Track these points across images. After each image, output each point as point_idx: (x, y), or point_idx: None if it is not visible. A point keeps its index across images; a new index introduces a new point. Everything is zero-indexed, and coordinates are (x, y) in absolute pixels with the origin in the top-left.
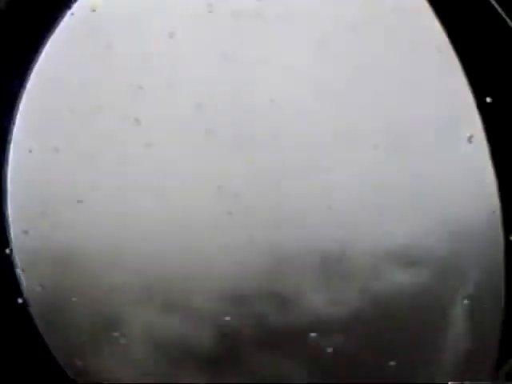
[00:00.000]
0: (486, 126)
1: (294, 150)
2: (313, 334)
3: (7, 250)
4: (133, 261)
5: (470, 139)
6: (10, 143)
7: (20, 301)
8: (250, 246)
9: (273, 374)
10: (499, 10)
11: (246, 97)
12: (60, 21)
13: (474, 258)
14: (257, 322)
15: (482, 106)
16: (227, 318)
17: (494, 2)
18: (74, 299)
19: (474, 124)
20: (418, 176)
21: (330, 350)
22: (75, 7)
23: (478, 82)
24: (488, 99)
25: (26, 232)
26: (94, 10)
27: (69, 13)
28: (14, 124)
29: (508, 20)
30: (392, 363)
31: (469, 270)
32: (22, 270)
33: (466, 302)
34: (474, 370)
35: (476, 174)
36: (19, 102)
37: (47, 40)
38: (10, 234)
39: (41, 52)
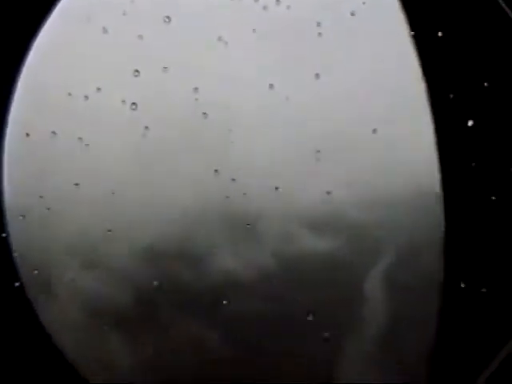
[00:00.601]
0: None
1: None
2: (224, 296)
3: (3, 234)
4: None
5: None
6: (6, 127)
7: (17, 284)
8: (166, 208)
9: (185, 333)
10: None
11: (242, 84)
12: (56, 5)
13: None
14: (169, 282)
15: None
16: (142, 277)
17: None
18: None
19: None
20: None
21: (241, 312)
22: None
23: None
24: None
25: (22, 216)
26: None
27: None
28: (10, 108)
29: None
30: (304, 322)
31: (386, 239)
32: (19, 254)
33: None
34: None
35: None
36: (16, 86)
37: (44, 24)
38: (6, 218)
39: (37, 36)
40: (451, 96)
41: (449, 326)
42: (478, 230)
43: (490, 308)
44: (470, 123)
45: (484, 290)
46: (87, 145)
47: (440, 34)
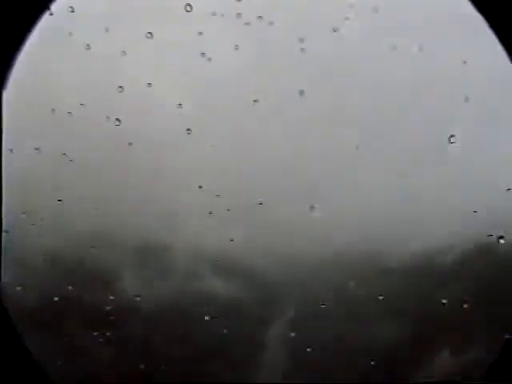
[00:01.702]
0: None
1: None
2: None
3: None
4: None
5: None
6: None
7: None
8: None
9: None
10: None
11: (225, 98)
12: (39, 21)
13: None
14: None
15: None
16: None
17: None
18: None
19: None
20: None
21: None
22: (54, 7)
23: None
24: None
25: (6, 232)
26: (72, 11)
27: (47, 13)
28: None
29: None
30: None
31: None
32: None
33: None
34: None
35: None
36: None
37: (26, 40)
38: None
39: (20, 52)
40: None
41: None
42: None
43: None
44: None
45: None
46: (71, 160)
47: None
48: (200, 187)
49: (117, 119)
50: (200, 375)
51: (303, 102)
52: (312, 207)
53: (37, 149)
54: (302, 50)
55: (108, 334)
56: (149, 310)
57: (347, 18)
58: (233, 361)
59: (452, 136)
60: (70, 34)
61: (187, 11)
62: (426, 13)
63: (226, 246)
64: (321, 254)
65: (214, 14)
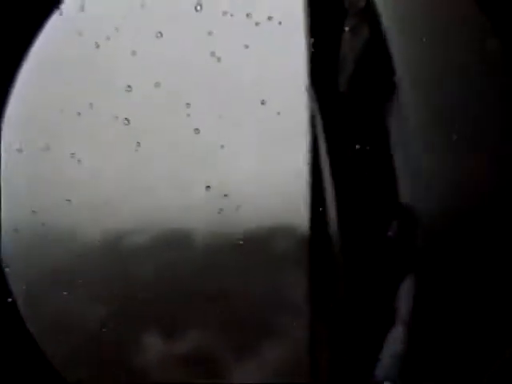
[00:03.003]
0: None
1: None
2: None
3: None
4: None
5: None
6: None
7: (9, 300)
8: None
9: None
10: None
11: (234, 99)
12: (48, 20)
13: None
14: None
15: None
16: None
17: None
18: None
19: None
20: None
21: None
22: (63, 7)
23: None
24: None
25: (15, 230)
26: (82, 10)
27: (57, 12)
28: (2, 123)
29: None
30: None
31: None
32: (11, 270)
33: None
34: None
35: None
36: (8, 102)
37: (35, 39)
38: None
39: (29, 52)
40: None
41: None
42: None
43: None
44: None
45: None
46: (79, 160)
47: None
48: (208, 187)
49: (125, 119)
50: None
51: None
52: None
53: (46, 149)
54: None
55: None
56: None
57: None
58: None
59: None
60: (80, 33)
61: (197, 11)
62: None
63: None
64: None
65: (224, 13)
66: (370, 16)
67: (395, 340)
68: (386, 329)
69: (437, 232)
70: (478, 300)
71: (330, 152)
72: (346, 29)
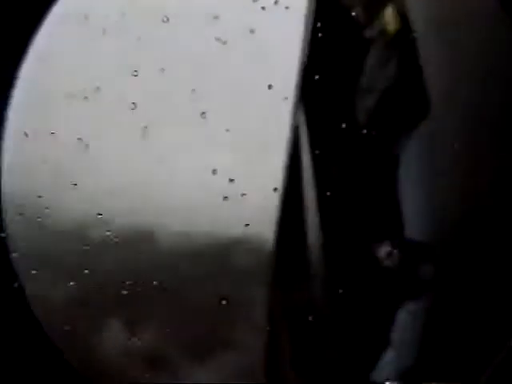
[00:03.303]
0: None
1: None
2: None
3: (2, 235)
4: None
5: None
6: (5, 127)
7: (16, 285)
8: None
9: None
10: None
11: (241, 85)
12: (55, 4)
13: None
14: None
15: None
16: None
17: None
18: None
19: None
20: None
21: None
22: None
23: None
24: None
25: (21, 216)
26: None
27: None
28: (9, 108)
29: None
30: None
31: None
32: (18, 255)
33: None
34: None
35: None
36: (14, 87)
37: (41, 24)
38: (5, 218)
39: (35, 36)
40: None
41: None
42: None
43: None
44: None
45: None
46: (87, 145)
47: None
48: (214, 171)
49: (132, 103)
50: None
51: None
52: None
53: (52, 133)
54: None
55: None
56: None
57: None
58: None
59: None
60: (86, 17)
61: None
62: None
63: None
64: None
65: None
66: (403, 47)
67: (387, 364)
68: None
69: (440, 262)
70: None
71: (315, 167)
72: (370, 61)
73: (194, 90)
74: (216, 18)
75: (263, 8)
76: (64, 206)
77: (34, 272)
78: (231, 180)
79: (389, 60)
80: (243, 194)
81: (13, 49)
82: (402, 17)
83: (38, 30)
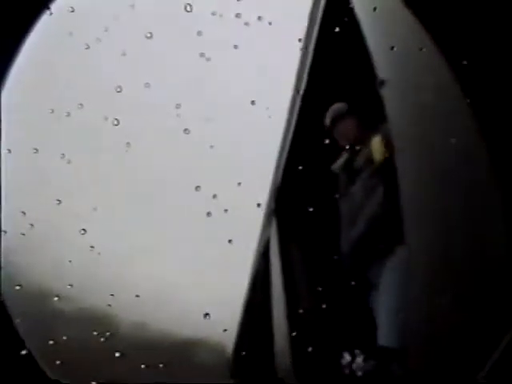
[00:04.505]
0: None
1: None
2: None
3: None
4: None
5: None
6: None
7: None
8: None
9: None
10: None
11: (224, 99)
12: (38, 20)
13: None
14: None
15: None
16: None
17: None
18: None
19: None
20: None
21: None
22: (54, 7)
23: None
24: None
25: (4, 232)
26: (72, 11)
27: (47, 12)
28: None
29: None
30: None
31: None
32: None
33: None
34: None
35: None
36: None
37: (25, 40)
38: None
39: (19, 52)
40: None
41: None
42: None
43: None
44: None
45: None
46: (69, 161)
47: None
48: (197, 187)
49: (115, 119)
50: None
51: None
52: None
53: (35, 149)
54: None
55: None
56: None
57: None
58: None
59: None
60: (70, 33)
61: (187, 11)
62: None
63: None
64: None
65: (213, 13)
66: (388, 175)
67: None
68: None
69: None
70: None
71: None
72: (356, 186)
73: (178, 105)
74: (199, 33)
75: (246, 24)
76: (47, 222)
77: (17, 287)
78: None
79: (374, 188)
80: None
81: None
82: (388, 145)
83: (21, 46)
